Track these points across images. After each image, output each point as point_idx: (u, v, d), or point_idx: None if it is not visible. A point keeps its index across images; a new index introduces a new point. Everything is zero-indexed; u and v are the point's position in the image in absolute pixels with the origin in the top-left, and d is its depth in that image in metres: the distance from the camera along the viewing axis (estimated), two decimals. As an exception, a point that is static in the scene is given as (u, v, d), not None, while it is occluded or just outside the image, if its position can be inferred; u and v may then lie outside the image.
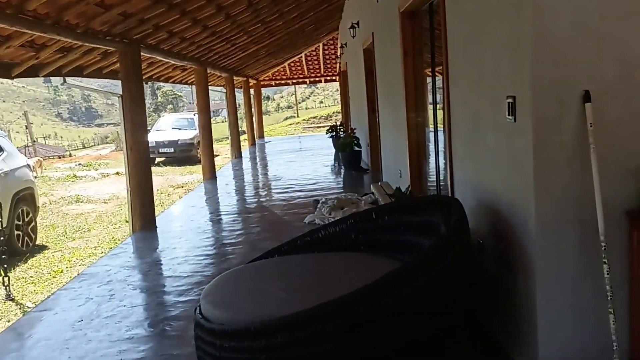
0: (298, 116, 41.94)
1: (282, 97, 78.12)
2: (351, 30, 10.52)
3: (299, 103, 76.55)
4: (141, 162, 6.86)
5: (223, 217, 7.32)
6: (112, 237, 7.55)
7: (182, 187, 11.90)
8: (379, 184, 7.95)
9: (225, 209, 7.92)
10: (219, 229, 6.66)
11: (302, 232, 6.34)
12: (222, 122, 28.70)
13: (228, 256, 5.46)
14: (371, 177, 9.72)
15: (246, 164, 13.74)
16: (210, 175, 11.17)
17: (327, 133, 15.30)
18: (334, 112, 33.13)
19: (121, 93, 6.88)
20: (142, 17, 6.37)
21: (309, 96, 73.10)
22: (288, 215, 7.12)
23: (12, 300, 5.18)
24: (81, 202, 11.00)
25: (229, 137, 15.23)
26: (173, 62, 9.24)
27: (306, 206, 7.51)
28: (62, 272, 6.03)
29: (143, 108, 6.89)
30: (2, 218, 5.29)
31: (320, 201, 7.22)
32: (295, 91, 49.17)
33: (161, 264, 5.35)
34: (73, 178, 14.79)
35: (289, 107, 73.08)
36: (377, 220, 3.59)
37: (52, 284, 5.63)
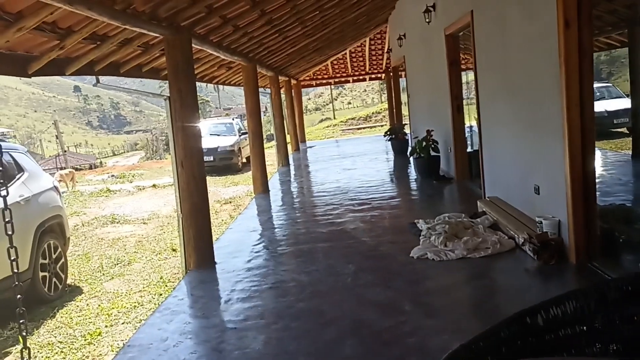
0: (334, 118, 40.36)
1: (309, 99, 76.70)
2: (426, 14, 8.91)
3: (326, 105, 74.97)
4: (195, 180, 5.37)
5: (297, 247, 5.79)
6: (161, 277, 6.07)
7: (230, 202, 10.42)
8: (487, 199, 6.33)
9: (295, 235, 6.39)
10: (299, 268, 5.11)
11: (416, 272, 4.71)
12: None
13: (325, 314, 3.90)
14: (458, 187, 8.09)
15: (297, 172, 12.23)
16: (263, 188, 9.68)
17: (385, 135, 13.74)
18: (373, 113, 31.48)
19: (168, 94, 5.42)
20: (195, -6, 4.91)
21: (336, 97, 71.74)
22: (383, 244, 5.53)
23: (33, 387, 3.73)
24: (117, 222, 9.61)
25: (275, 142, 13.75)
26: (223, 57, 7.76)
27: (400, 230, 5.93)
28: (100, 334, 4.54)
29: (196, 112, 5.41)
30: (17, 268, 3.80)
31: (425, 226, 5.62)
32: (331, 91, 47.85)
33: (234, 330, 3.81)
34: (107, 192, 13.45)
35: (316, 109, 71.62)
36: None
37: (87, 357, 4.15)
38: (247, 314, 4.03)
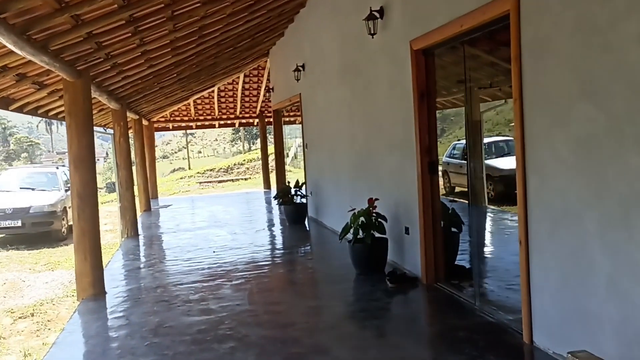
0: (190, 168, 35.94)
1: (156, 145, 70.78)
2: (369, 22, 5.88)
3: (175, 153, 69.35)
4: None
5: None
6: None
7: (33, 314, 6.12)
8: (570, 356, 3.17)
9: None
10: None
11: None
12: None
13: None
14: (441, 301, 4.92)
15: (152, 252, 8.25)
16: (95, 290, 5.67)
17: (275, 199, 10.32)
18: (235, 164, 27.94)
19: None
20: None
21: (186, 145, 67.35)
22: None
23: None
24: None
25: (117, 199, 9.66)
26: (26, 57, 3.86)
27: None
28: None
29: None
30: None
31: None
32: (186, 137, 43.91)
33: None
34: None
35: (164, 157, 65.70)
36: None
37: None
38: None
